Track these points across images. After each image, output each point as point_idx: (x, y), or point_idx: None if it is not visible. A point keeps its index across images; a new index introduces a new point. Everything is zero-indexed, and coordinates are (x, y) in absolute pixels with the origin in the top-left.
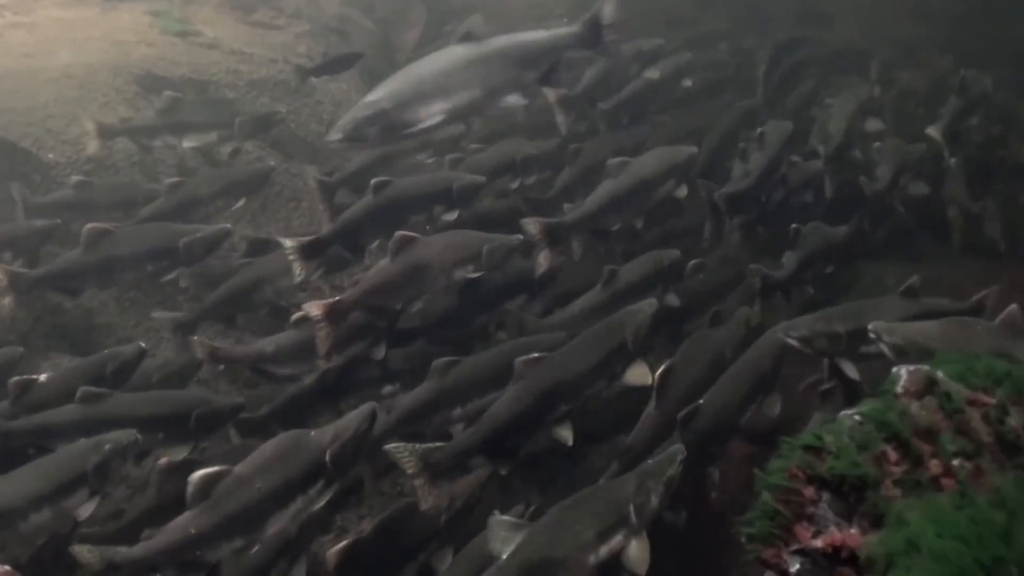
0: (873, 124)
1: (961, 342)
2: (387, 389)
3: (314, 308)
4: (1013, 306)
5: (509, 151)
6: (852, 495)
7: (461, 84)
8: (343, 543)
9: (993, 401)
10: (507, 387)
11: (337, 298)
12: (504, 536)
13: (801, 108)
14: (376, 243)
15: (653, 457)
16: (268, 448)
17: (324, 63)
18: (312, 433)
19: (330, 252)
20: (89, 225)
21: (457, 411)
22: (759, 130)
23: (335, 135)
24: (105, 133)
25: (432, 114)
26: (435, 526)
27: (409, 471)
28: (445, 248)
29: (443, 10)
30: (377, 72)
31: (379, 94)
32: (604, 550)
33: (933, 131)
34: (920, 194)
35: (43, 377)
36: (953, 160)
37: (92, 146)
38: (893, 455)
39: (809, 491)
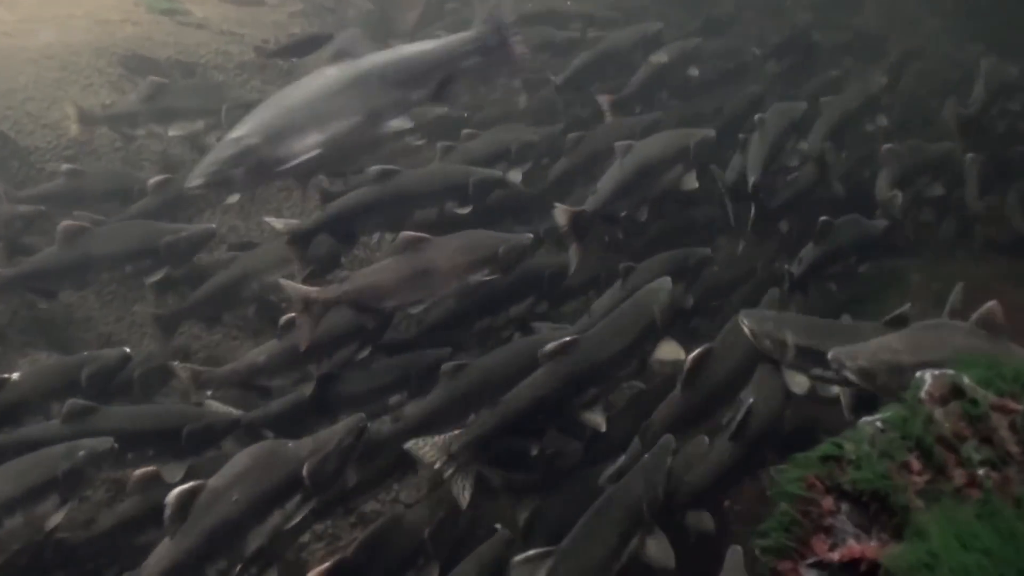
0: (880, 120)
1: (933, 349)
2: (394, 399)
3: (291, 293)
4: (991, 302)
5: (504, 138)
6: (872, 506)
7: (337, 111)
8: (324, 566)
9: (1020, 408)
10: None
11: (317, 289)
12: (531, 571)
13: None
14: (376, 237)
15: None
16: (241, 460)
17: (288, 44)
18: (291, 444)
19: (318, 241)
20: (65, 222)
21: (471, 417)
22: (758, 116)
23: (194, 181)
24: (86, 120)
25: (306, 148)
26: (419, 541)
27: (436, 466)
28: (457, 249)
29: None
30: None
31: (244, 129)
32: (626, 555)
33: (951, 114)
34: (936, 195)
35: (16, 376)
36: (969, 157)
37: (74, 129)
38: (916, 464)
39: (827, 502)
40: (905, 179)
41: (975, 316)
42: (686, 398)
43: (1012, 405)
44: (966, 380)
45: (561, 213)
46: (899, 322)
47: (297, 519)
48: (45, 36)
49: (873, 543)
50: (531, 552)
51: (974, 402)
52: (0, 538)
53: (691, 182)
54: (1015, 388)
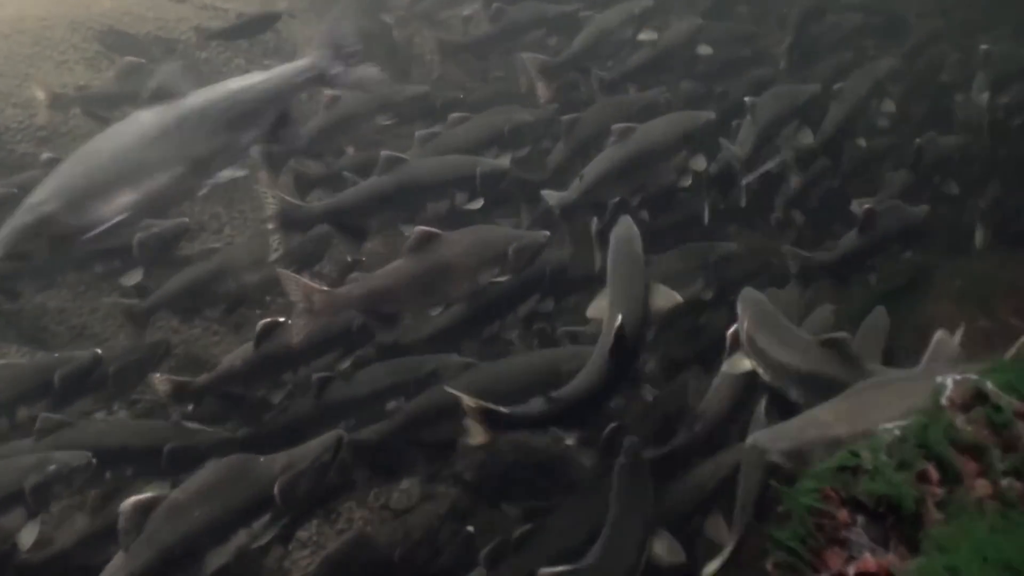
0: (887, 106)
1: (874, 415)
2: (391, 405)
3: (292, 286)
4: (939, 333)
5: (495, 121)
6: (889, 518)
7: (154, 163)
8: None
9: None
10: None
11: (323, 287)
12: None
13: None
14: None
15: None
16: (207, 473)
17: (237, 25)
18: (262, 459)
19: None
20: None
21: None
22: (748, 99)
23: None
24: (57, 103)
25: (115, 211)
26: (388, 563)
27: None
28: (468, 247)
29: None
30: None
31: (43, 193)
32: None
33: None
34: (952, 193)
35: None
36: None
37: (43, 115)
38: (935, 474)
39: (843, 514)
40: (999, 85)
41: (927, 355)
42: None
43: None
44: (989, 385)
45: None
46: (835, 344)
47: (265, 540)
48: (14, 8)
49: (890, 557)
50: (558, 569)
51: (998, 408)
52: None
53: (699, 163)
54: None
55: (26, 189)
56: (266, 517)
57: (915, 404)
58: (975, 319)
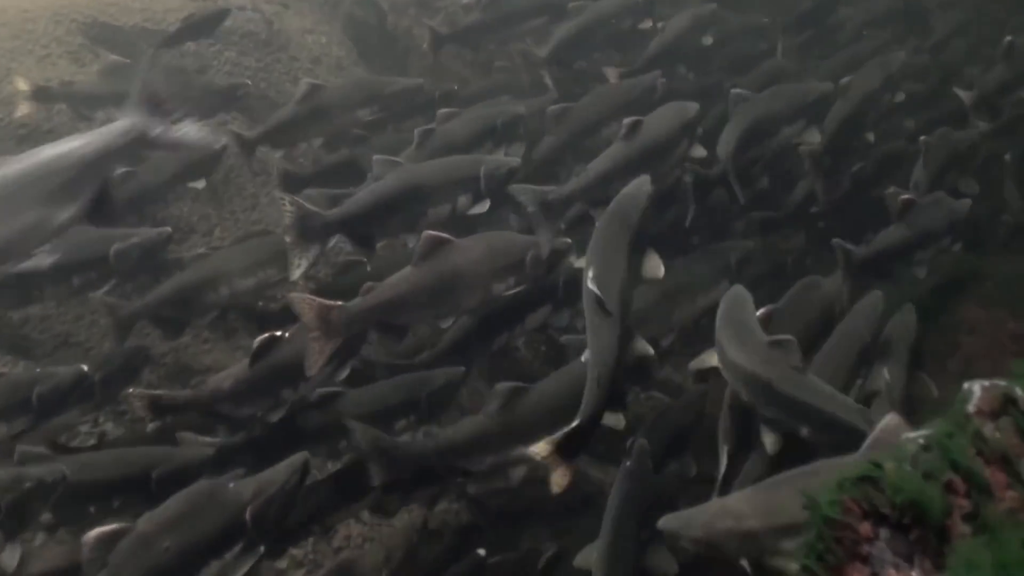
0: (899, 99)
1: (789, 508)
2: (400, 423)
3: (305, 309)
4: (890, 418)
5: (488, 114)
6: (914, 532)
7: None
8: None
9: None
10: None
11: (338, 304)
12: None
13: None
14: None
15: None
16: (176, 502)
17: (181, 28)
18: (232, 486)
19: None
20: None
21: (517, 448)
22: (735, 91)
23: None
24: (41, 97)
25: None
26: None
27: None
28: (482, 254)
29: None
30: (364, 20)
31: None
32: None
33: (965, 96)
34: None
35: None
36: (1008, 156)
37: (23, 109)
38: (962, 485)
39: (865, 527)
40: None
41: (870, 438)
42: None
43: None
44: (1020, 392)
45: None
46: (783, 345)
47: (240, 572)
48: None
49: (914, 573)
50: None
51: None
52: None
53: (699, 152)
54: None
55: None
56: (238, 546)
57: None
58: (1004, 323)
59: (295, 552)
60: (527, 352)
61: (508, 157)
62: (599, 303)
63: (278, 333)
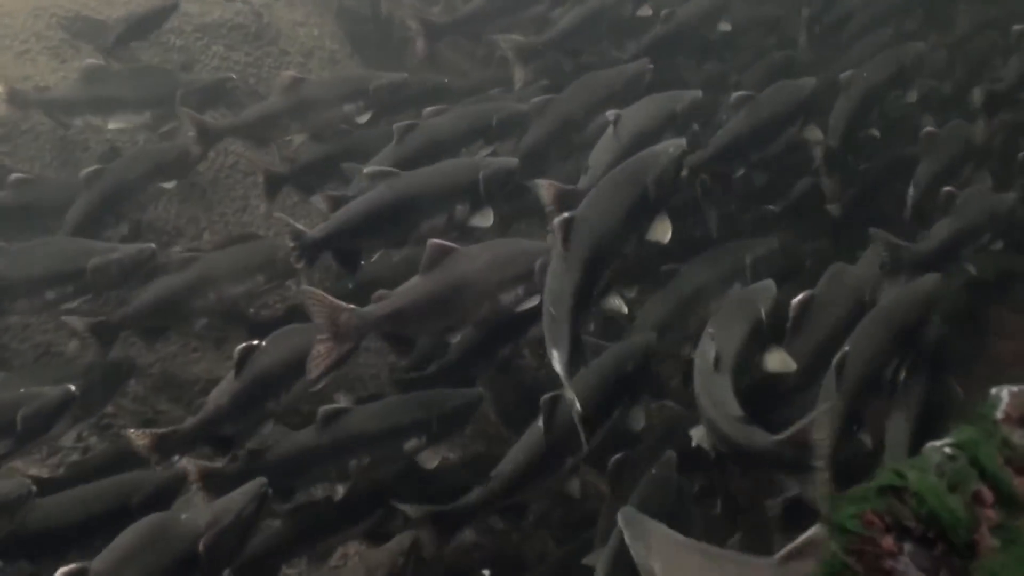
0: (912, 95)
1: None
2: (411, 443)
3: (317, 307)
4: (814, 530)
5: (481, 111)
6: (939, 545)
7: None
8: None
9: None
10: None
11: (351, 307)
12: None
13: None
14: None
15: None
16: (126, 538)
17: (127, 29)
18: (184, 516)
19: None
20: None
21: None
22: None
23: None
24: (17, 101)
25: None
26: None
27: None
28: (490, 263)
29: None
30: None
31: None
32: None
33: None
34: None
35: None
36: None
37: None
38: (990, 496)
39: (887, 541)
40: None
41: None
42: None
43: None
44: None
45: (547, 190)
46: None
47: None
48: None
49: None
50: None
51: None
52: None
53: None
54: None
55: None
56: None
57: None
58: None
59: (289, 572)
60: (533, 359)
61: (506, 158)
62: (564, 240)
63: (256, 342)
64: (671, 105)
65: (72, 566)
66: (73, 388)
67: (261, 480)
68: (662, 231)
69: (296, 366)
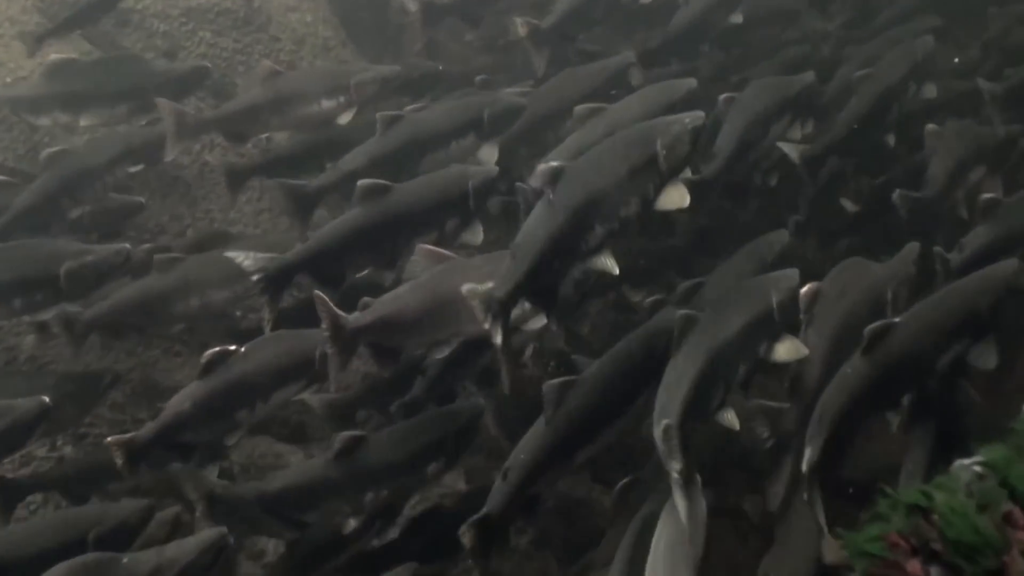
0: (929, 90)
1: None
2: (432, 468)
3: (324, 315)
4: None
5: (474, 104)
6: (968, 570)
7: None
8: None
9: None
10: None
11: (350, 316)
12: None
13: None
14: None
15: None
16: None
17: (70, 17)
18: (125, 560)
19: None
20: None
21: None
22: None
23: None
24: None
25: None
26: None
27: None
28: (491, 273)
29: None
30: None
31: None
32: None
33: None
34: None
35: None
36: None
37: None
38: (1022, 517)
39: (914, 565)
40: None
41: None
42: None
43: None
44: None
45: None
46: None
47: None
48: None
49: None
50: None
51: None
52: None
53: None
54: None
55: None
56: None
57: None
58: None
59: None
60: (536, 369)
61: (485, 166)
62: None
63: (231, 348)
64: (666, 97)
65: None
66: (47, 400)
67: (220, 530)
68: (678, 198)
69: (275, 375)
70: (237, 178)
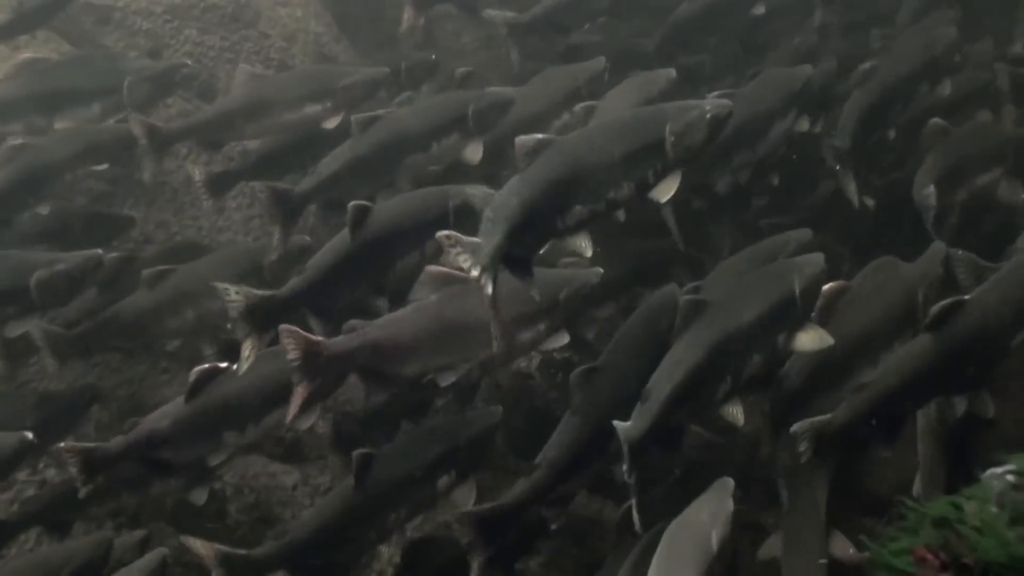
0: (944, 88)
1: None
2: (443, 481)
3: (291, 344)
4: None
5: (460, 100)
6: None
7: None
8: None
9: None
10: None
11: (320, 340)
12: None
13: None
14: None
15: None
16: None
17: (19, 16)
18: None
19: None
20: None
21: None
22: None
23: None
24: None
25: None
26: None
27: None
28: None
29: None
30: None
31: None
32: None
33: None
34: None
35: None
36: None
37: None
38: None
39: None
40: None
41: None
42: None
43: None
44: None
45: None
46: None
47: None
48: None
49: None
50: None
51: None
52: None
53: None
54: None
55: None
56: None
57: None
58: None
59: None
60: (542, 380)
61: (472, 186)
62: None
63: (221, 364)
64: (650, 88)
65: None
66: (30, 436)
67: (162, 551)
68: (665, 190)
69: (268, 395)
70: (219, 184)
